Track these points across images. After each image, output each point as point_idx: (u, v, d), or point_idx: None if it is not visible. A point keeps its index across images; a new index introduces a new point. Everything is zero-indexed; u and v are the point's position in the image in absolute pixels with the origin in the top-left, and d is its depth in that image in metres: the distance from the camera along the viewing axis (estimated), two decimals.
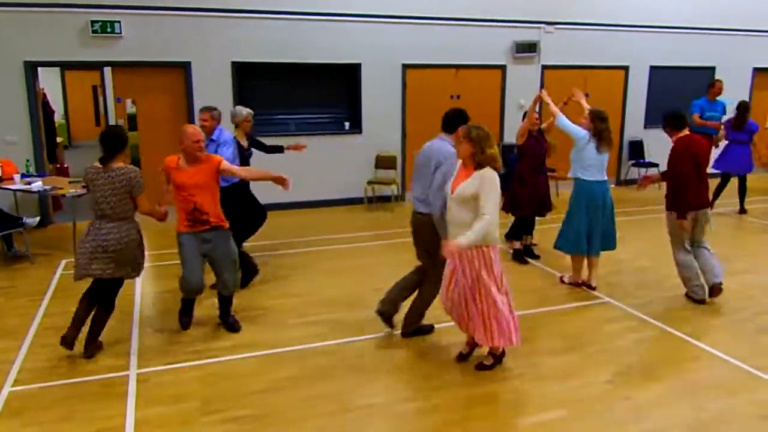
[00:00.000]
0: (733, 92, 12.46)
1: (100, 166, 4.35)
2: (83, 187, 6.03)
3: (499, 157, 4.09)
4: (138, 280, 6.20)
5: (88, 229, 4.39)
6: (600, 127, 5.61)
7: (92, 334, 4.52)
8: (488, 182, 3.94)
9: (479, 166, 4.00)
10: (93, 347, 4.53)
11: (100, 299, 4.54)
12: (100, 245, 4.29)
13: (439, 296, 4.42)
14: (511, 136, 7.89)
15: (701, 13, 11.65)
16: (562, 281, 6.10)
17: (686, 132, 5.44)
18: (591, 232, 5.76)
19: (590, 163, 5.65)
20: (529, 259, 6.85)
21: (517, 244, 6.89)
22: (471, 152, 3.99)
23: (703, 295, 5.51)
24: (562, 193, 10.56)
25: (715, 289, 5.46)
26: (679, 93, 11.87)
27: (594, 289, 5.88)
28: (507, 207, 6.76)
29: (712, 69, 12.13)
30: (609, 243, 5.89)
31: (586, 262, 5.95)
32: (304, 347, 4.68)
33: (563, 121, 5.76)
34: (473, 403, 3.89)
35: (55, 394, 3.99)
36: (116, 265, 4.37)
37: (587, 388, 4.08)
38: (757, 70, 12.58)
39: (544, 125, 6.62)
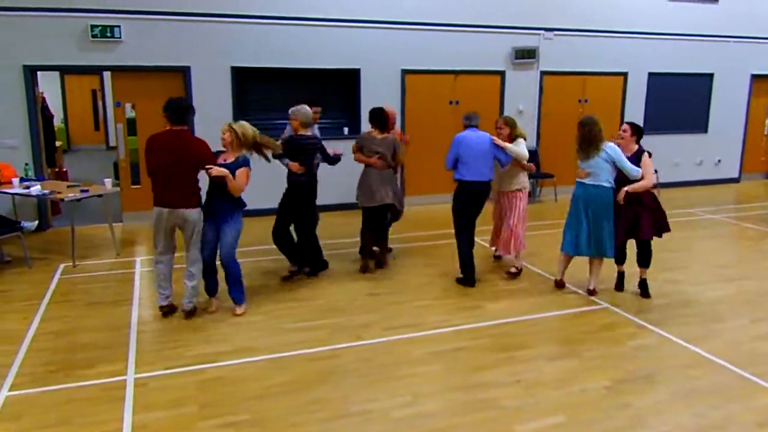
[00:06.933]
0: (731, 99, 12.55)
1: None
2: None
3: None
4: (136, 285, 6.21)
5: None
6: (577, 134, 5.71)
7: None
8: None
9: None
10: None
11: None
12: None
13: None
14: None
15: (700, 20, 11.70)
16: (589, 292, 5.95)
17: None
18: (579, 233, 5.73)
19: (582, 168, 5.71)
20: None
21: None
22: None
23: None
24: (560, 199, 10.59)
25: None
26: (678, 99, 11.95)
27: (593, 294, 5.89)
28: None
29: (711, 75, 12.18)
30: (601, 247, 5.69)
31: (587, 265, 5.94)
32: (302, 352, 4.67)
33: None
34: (471, 409, 3.88)
35: (52, 398, 3.98)
36: None
37: (586, 394, 4.08)
38: (755, 77, 12.63)
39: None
